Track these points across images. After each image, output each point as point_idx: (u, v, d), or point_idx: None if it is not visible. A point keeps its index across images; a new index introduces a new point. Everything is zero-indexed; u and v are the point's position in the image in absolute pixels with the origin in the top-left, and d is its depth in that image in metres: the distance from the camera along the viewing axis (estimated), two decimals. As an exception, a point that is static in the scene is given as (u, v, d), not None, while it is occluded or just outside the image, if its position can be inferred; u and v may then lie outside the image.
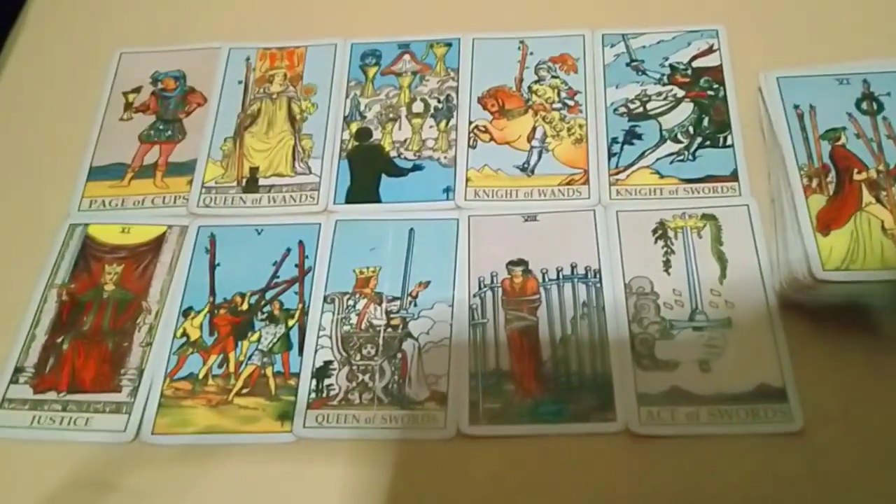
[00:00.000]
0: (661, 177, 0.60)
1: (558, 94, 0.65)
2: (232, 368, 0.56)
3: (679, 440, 0.50)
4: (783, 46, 0.65)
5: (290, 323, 0.57)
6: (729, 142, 0.61)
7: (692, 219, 0.58)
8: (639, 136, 0.62)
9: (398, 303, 0.57)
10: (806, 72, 0.60)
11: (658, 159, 0.61)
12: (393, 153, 0.64)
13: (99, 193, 0.64)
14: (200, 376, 0.55)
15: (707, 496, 0.49)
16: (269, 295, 0.58)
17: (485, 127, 0.64)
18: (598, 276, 0.56)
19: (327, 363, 0.55)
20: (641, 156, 0.61)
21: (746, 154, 0.60)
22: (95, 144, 0.66)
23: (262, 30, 0.72)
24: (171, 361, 0.56)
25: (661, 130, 0.62)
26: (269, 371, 0.55)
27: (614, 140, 0.62)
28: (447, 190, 0.62)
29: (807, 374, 0.51)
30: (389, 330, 0.56)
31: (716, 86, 0.64)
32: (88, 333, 0.57)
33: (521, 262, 0.58)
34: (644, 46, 0.67)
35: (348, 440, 0.52)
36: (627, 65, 0.66)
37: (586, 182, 0.61)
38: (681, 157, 0.61)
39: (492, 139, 0.64)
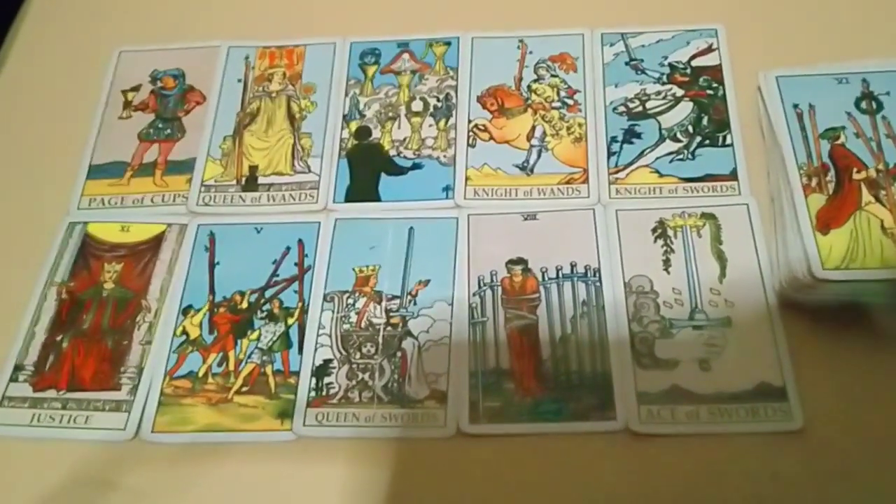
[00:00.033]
0: (661, 176, 0.60)
1: (558, 93, 0.65)
2: (232, 367, 0.56)
3: (679, 439, 0.50)
4: (782, 46, 0.65)
5: (290, 321, 0.57)
6: (728, 141, 0.61)
7: (692, 218, 0.58)
8: (638, 135, 0.62)
9: (398, 301, 0.57)
10: (805, 71, 0.60)
11: (657, 158, 0.61)
12: (392, 152, 0.64)
13: (98, 192, 0.64)
14: (200, 375, 0.55)
15: (707, 495, 0.49)
16: (268, 293, 0.58)
17: (484, 126, 0.64)
18: (597, 274, 0.56)
19: (327, 362, 0.55)
20: (641, 155, 0.61)
21: (746, 153, 0.60)
22: (95, 143, 0.66)
23: (261, 28, 0.72)
24: (171, 360, 0.56)
25: (660, 129, 0.62)
26: (268, 369, 0.55)
27: (614, 139, 0.62)
28: (447, 189, 0.62)
29: (807, 372, 0.51)
30: (389, 328, 0.56)
31: (715, 85, 0.64)
32: (88, 331, 0.57)
33: (521, 261, 0.58)
34: (643, 45, 0.67)
35: (348, 439, 0.52)
36: (627, 64, 0.66)
37: (586, 181, 0.61)
38: (680, 157, 0.61)
39: (491, 138, 0.64)
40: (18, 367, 0.56)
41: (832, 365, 0.52)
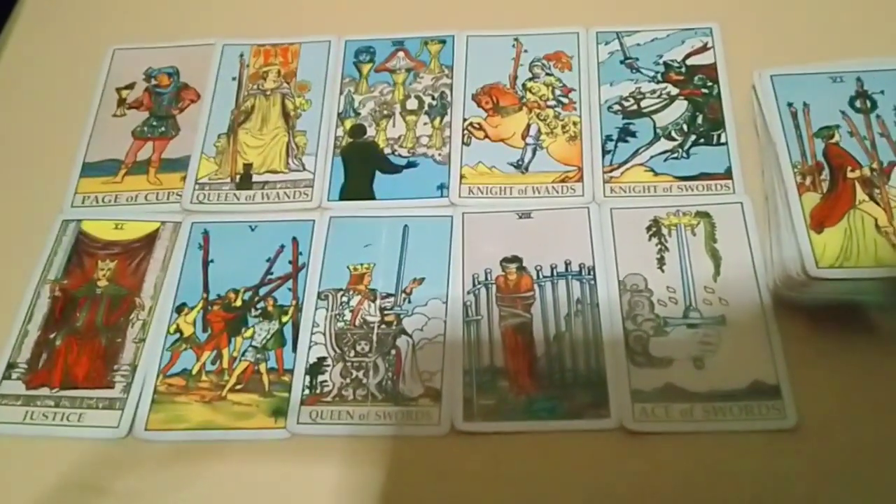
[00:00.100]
0: (656, 174, 0.60)
1: (553, 92, 0.65)
2: (225, 364, 0.55)
3: (673, 437, 0.50)
4: (777, 44, 0.65)
5: (284, 319, 0.57)
6: (723, 139, 0.61)
7: (686, 216, 0.58)
8: (633, 134, 0.62)
9: (392, 299, 0.57)
10: (800, 70, 0.60)
11: (652, 157, 0.61)
12: (387, 150, 0.64)
13: (92, 189, 0.64)
14: (194, 372, 0.55)
15: (701, 492, 0.49)
16: (262, 291, 0.58)
17: (479, 124, 0.64)
18: (592, 273, 0.56)
19: (321, 359, 0.55)
20: (635, 153, 0.61)
21: (740, 152, 0.60)
22: (89, 140, 0.66)
23: (256, 26, 0.72)
24: (165, 357, 0.56)
25: (655, 128, 0.62)
26: (262, 367, 0.55)
27: (608, 137, 0.62)
28: (441, 187, 0.62)
29: (801, 371, 0.51)
30: (383, 326, 0.56)
31: (710, 83, 0.64)
32: (82, 329, 0.57)
33: (516, 259, 0.58)
34: (638, 44, 0.67)
35: (342, 437, 0.52)
36: (622, 62, 0.66)
37: (580, 179, 0.61)
38: (675, 155, 0.61)
39: (486, 136, 0.64)
40: (11, 365, 0.56)
41: (826, 363, 0.52)
